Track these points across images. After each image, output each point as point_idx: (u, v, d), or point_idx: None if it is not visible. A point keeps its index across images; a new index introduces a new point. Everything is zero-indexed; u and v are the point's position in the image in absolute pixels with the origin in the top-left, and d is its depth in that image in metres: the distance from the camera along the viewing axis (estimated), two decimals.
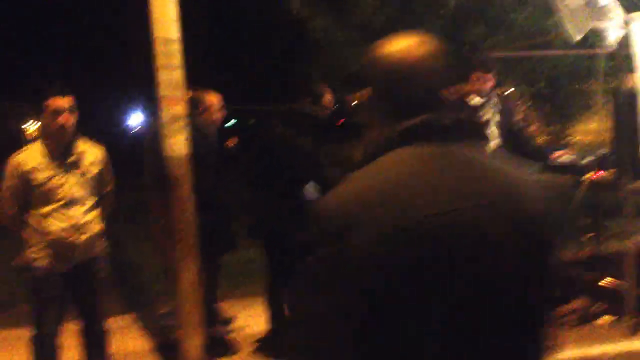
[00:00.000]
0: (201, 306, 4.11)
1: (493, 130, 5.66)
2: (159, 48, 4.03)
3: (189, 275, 4.01)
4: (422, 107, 1.42)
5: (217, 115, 5.10)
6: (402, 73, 1.45)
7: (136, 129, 36.83)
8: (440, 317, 1.34)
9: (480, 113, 5.65)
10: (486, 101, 5.67)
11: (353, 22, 8.46)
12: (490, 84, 5.63)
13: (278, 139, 4.78)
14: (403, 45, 1.47)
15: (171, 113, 4.04)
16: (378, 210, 1.32)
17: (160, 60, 4.04)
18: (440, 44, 1.49)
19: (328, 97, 5.00)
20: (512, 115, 6.24)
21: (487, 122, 5.66)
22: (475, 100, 5.64)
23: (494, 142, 5.66)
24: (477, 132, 1.52)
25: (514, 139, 5.84)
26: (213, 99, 5.07)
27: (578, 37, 4.91)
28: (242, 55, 16.75)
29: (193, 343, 4.11)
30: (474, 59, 6.01)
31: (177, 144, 4.04)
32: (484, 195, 1.38)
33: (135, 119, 39.48)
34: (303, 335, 1.44)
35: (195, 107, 4.75)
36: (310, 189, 4.74)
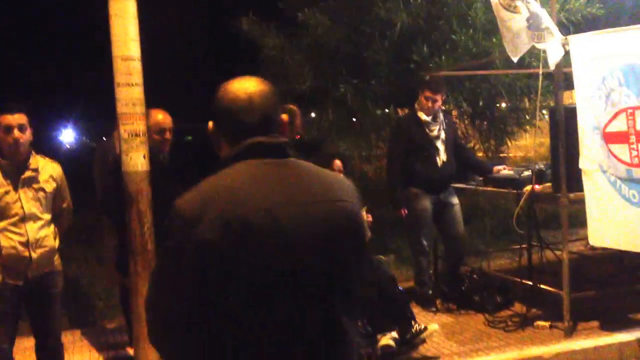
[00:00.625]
0: None
1: (440, 146, 5.95)
2: (119, 66, 4.14)
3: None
4: (254, 133, 1.86)
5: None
6: (236, 110, 1.88)
7: (70, 145, 36.39)
8: (263, 290, 1.73)
9: (428, 130, 5.93)
10: (433, 119, 5.95)
11: (304, 43, 8.65)
12: (438, 103, 5.92)
13: None
14: (237, 87, 1.90)
15: (130, 130, 4.15)
16: (215, 206, 1.73)
17: (120, 78, 4.15)
18: (268, 86, 1.93)
19: (298, 118, 5.20)
20: (456, 132, 6.56)
21: (435, 138, 5.94)
22: (424, 117, 5.91)
23: (440, 157, 5.94)
24: (297, 150, 2.01)
25: (459, 154, 6.14)
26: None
27: (516, 57, 5.22)
28: (194, 74, 16.83)
29: (150, 357, 4.19)
30: (424, 79, 6.30)
31: (136, 159, 4.15)
32: (301, 195, 1.81)
33: (68, 135, 39.01)
34: (152, 320, 1.82)
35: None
36: None
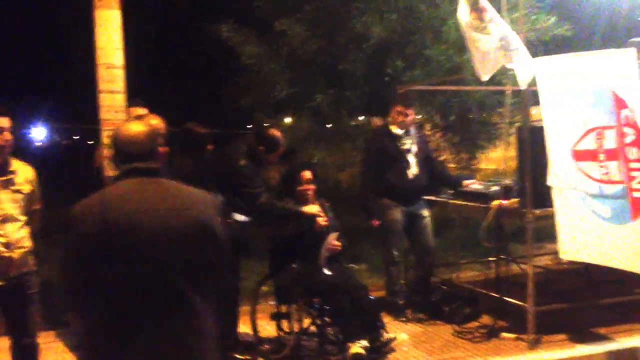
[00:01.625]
0: None
1: (411, 160, 6.10)
2: (102, 73, 4.22)
3: None
4: (133, 160, 2.55)
5: None
6: (124, 143, 2.60)
7: (40, 143, 35.97)
8: (124, 273, 2.38)
9: (400, 143, 6.08)
10: (405, 133, 6.10)
11: (282, 52, 8.75)
12: (410, 117, 6.08)
13: (241, 170, 5.01)
14: (128, 127, 2.66)
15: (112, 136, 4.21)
16: (95, 210, 2.42)
17: (103, 85, 4.23)
18: (149, 128, 2.68)
19: (282, 148, 5.30)
20: (428, 145, 6.71)
21: (407, 151, 6.09)
22: (396, 131, 6.06)
23: (411, 170, 6.09)
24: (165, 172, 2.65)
25: (430, 167, 6.30)
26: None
27: (486, 77, 5.38)
28: (172, 79, 16.81)
29: None
30: (397, 93, 6.45)
31: None
32: (161, 204, 2.47)
33: (39, 133, 38.58)
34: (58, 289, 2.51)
35: None
36: (239, 216, 5.06)
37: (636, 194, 4.52)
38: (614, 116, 4.60)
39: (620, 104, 4.56)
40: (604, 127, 4.70)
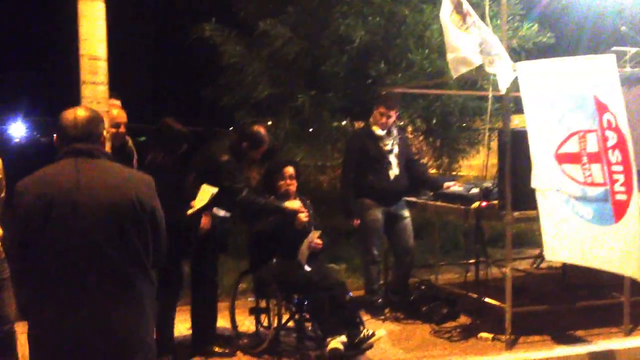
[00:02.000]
0: None
1: (392, 160, 6.13)
2: (85, 65, 4.19)
3: None
4: (75, 140, 2.77)
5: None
6: (66, 126, 2.81)
7: (18, 139, 35.62)
8: (61, 242, 2.61)
9: (381, 144, 6.11)
10: (387, 133, 6.13)
11: (264, 53, 8.75)
12: (392, 119, 6.11)
13: (224, 165, 5.01)
14: (70, 112, 2.85)
15: None
16: (37, 185, 2.68)
17: (86, 76, 4.20)
18: (92, 112, 2.95)
19: (267, 144, 5.30)
20: (409, 147, 6.75)
21: (388, 152, 6.12)
22: (378, 132, 6.10)
23: (392, 171, 6.13)
24: (106, 154, 2.90)
25: (411, 168, 6.34)
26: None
27: (455, 75, 5.44)
28: (153, 75, 16.73)
29: None
30: (379, 95, 6.48)
31: None
32: (97, 182, 2.69)
33: (17, 129, 38.18)
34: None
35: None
36: (220, 211, 5.06)
37: (619, 197, 4.61)
38: (596, 120, 4.69)
39: (601, 108, 4.65)
40: (587, 131, 4.78)
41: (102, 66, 4.24)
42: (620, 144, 4.57)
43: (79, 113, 2.87)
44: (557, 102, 4.93)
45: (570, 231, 4.95)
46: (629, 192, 4.57)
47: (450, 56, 5.34)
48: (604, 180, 4.69)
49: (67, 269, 2.62)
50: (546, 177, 5.04)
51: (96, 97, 4.21)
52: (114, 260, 2.66)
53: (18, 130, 38.69)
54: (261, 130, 5.32)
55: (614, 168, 4.61)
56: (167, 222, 4.76)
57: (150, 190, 2.85)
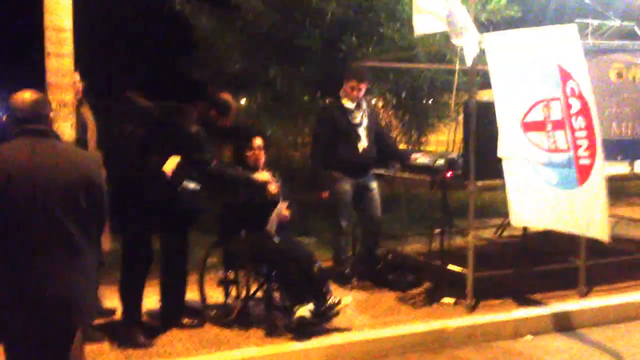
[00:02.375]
0: None
1: (362, 133, 6.22)
2: (50, 36, 4.21)
3: None
4: (24, 121, 3.08)
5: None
6: (15, 108, 3.12)
7: None
8: (18, 211, 2.93)
9: (351, 117, 6.20)
10: (356, 107, 6.22)
11: (237, 26, 8.76)
12: (362, 92, 6.19)
13: (194, 136, 5.05)
14: (18, 95, 3.14)
15: (58, 99, 4.23)
16: None
17: (51, 48, 4.22)
18: (40, 95, 3.21)
19: (234, 110, 5.37)
20: (378, 120, 6.85)
21: (358, 125, 6.22)
22: (348, 105, 6.18)
23: (362, 143, 6.23)
24: (56, 135, 3.22)
25: (379, 141, 6.44)
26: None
27: (418, 33, 5.60)
28: (124, 48, 16.58)
29: None
30: (350, 68, 6.55)
31: (63, 129, 4.24)
32: (48, 159, 3.01)
33: None
34: None
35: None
36: (190, 183, 5.11)
37: (582, 161, 4.78)
38: (560, 88, 4.84)
39: (565, 76, 4.80)
40: (551, 99, 4.93)
41: (67, 37, 4.25)
42: (584, 111, 4.72)
43: (26, 96, 3.15)
44: (522, 72, 5.06)
45: (536, 197, 5.10)
46: (592, 156, 4.73)
47: (416, 15, 5.45)
48: (568, 146, 4.84)
49: (24, 234, 2.95)
50: (512, 146, 5.17)
51: (61, 69, 4.23)
52: (65, 228, 2.99)
53: None
54: (228, 97, 5.38)
55: (578, 134, 4.77)
56: (135, 194, 4.87)
57: (99, 169, 3.27)
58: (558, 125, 4.89)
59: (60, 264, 3.00)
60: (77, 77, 5.25)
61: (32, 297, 2.95)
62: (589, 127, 4.72)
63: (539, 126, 5.03)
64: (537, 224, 5.30)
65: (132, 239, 4.99)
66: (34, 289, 2.94)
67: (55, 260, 2.99)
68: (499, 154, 5.25)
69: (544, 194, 5.06)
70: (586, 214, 4.81)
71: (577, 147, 4.79)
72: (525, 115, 5.10)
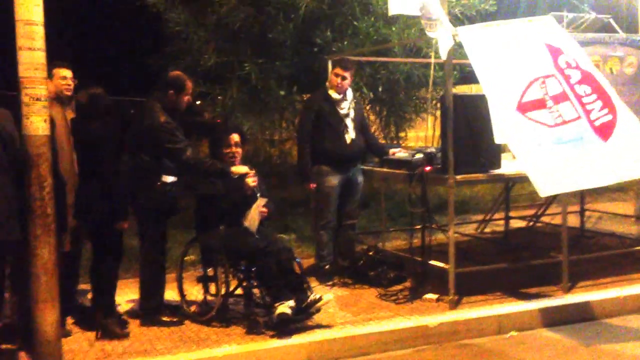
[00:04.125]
0: (58, 282, 4.21)
1: (349, 124, 6.15)
2: (21, 30, 4.09)
3: (46, 251, 4.10)
4: None
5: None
6: None
7: None
8: None
9: (338, 107, 6.12)
10: (343, 97, 6.15)
11: (209, 20, 8.64)
12: (347, 81, 6.12)
13: (162, 126, 4.95)
14: None
15: (31, 94, 4.12)
16: None
17: (22, 42, 4.11)
18: None
19: (189, 84, 5.25)
20: (362, 112, 6.78)
21: (345, 116, 6.14)
22: (334, 95, 6.11)
23: (349, 135, 6.15)
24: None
25: (364, 134, 6.38)
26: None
27: (392, 12, 5.62)
28: (94, 42, 16.32)
29: (48, 319, 4.19)
30: (334, 59, 6.48)
31: (37, 123, 4.13)
32: None
33: None
34: None
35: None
36: (167, 177, 5.03)
37: (601, 120, 4.87)
38: (552, 64, 4.90)
39: (555, 52, 4.89)
40: (545, 76, 4.99)
41: (39, 31, 4.15)
42: (586, 79, 4.85)
43: None
44: (507, 58, 5.09)
45: (555, 166, 5.00)
46: (612, 112, 4.84)
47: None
48: (577, 114, 4.90)
49: None
50: (512, 131, 5.07)
51: (33, 63, 4.12)
52: None
53: None
54: (178, 73, 5.32)
55: (585, 100, 4.89)
56: (105, 188, 4.78)
57: (10, 121, 4.22)
58: (560, 98, 4.94)
59: None
60: (69, 73, 5.16)
61: None
62: (598, 90, 4.82)
63: (539, 104, 5.02)
64: (565, 189, 5.16)
65: (104, 235, 4.91)
66: None
67: None
68: (497, 141, 5.17)
69: (557, 158, 4.98)
70: (618, 162, 4.90)
71: (588, 112, 4.86)
72: (522, 96, 5.07)
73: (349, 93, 6.20)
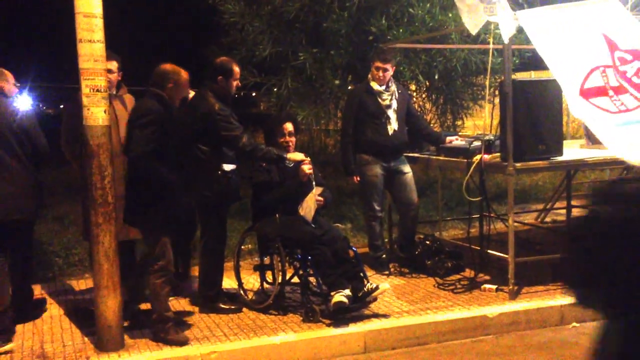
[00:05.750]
0: (118, 269, 4.30)
1: (391, 115, 6.09)
2: (81, 22, 4.17)
3: (107, 238, 4.18)
4: None
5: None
6: None
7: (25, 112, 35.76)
8: None
9: (380, 99, 6.07)
10: (385, 88, 6.09)
11: (264, 11, 8.66)
12: (388, 72, 6.05)
13: (216, 114, 4.94)
14: None
15: (91, 85, 4.20)
16: None
17: (82, 34, 4.18)
18: None
19: (237, 69, 5.24)
20: (410, 102, 6.69)
21: (387, 107, 6.08)
22: (376, 87, 6.05)
23: (391, 126, 6.09)
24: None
25: (413, 123, 6.30)
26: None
27: (475, 31, 5.36)
28: (151, 34, 16.59)
29: (110, 305, 4.29)
30: (375, 50, 6.41)
31: (97, 114, 4.21)
32: None
33: (23, 102, 38.12)
34: None
35: None
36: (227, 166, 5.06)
37: None
38: (609, 57, 4.81)
39: (612, 46, 4.78)
40: (605, 66, 4.90)
41: (98, 24, 4.22)
42: None
43: None
44: (567, 43, 4.97)
45: (633, 138, 4.83)
46: None
47: (463, 15, 5.30)
48: (638, 104, 4.84)
49: None
50: (581, 110, 4.94)
51: (93, 54, 4.20)
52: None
53: (24, 103, 38.76)
54: (224, 59, 5.30)
55: None
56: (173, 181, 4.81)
57: (32, 120, 4.97)
58: (619, 90, 4.88)
59: None
60: (113, 66, 5.13)
61: None
62: None
63: (601, 91, 4.93)
64: None
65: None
66: None
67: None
68: (574, 115, 5.08)
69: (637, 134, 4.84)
70: None
71: None
72: (584, 82, 4.95)
73: (392, 84, 6.13)
